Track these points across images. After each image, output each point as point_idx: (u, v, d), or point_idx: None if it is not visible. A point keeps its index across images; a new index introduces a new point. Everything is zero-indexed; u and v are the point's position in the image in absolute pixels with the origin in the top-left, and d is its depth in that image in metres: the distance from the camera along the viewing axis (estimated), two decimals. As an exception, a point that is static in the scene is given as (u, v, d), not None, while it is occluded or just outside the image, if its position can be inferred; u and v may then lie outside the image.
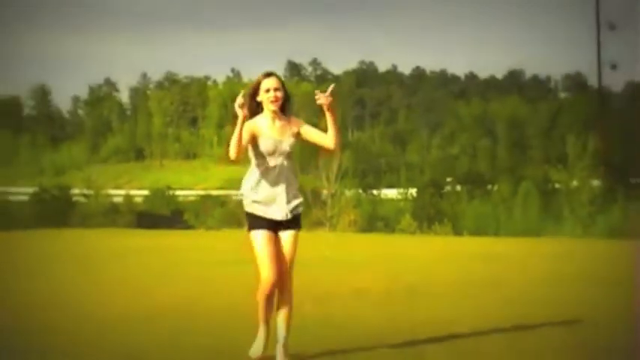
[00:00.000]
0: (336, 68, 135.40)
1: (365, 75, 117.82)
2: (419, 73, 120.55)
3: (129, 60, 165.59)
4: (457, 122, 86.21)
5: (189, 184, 72.65)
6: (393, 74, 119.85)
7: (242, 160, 5.90)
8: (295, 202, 5.88)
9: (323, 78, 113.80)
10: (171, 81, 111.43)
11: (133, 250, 17.86)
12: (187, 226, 36.59)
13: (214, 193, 50.11)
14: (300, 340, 6.19)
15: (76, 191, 43.75)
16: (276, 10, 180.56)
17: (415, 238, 26.38)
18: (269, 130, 5.82)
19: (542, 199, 36.52)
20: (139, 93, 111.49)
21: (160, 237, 24.08)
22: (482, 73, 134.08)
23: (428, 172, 56.59)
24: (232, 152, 5.68)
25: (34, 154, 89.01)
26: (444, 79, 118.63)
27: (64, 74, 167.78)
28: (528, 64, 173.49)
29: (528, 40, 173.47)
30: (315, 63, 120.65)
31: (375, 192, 47.43)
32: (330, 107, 5.76)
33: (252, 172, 5.87)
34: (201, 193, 51.42)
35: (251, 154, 5.86)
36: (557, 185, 36.21)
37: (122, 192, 48.68)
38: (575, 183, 32.89)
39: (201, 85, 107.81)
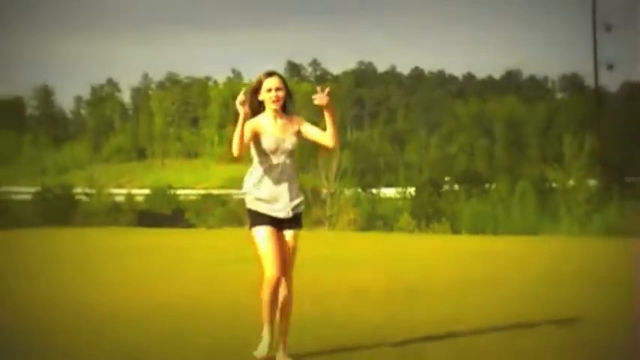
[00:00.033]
0: (336, 68, 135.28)
1: (364, 75, 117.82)
2: (417, 74, 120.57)
3: (131, 60, 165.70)
4: (455, 122, 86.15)
5: (191, 184, 72.58)
6: (391, 74, 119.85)
7: (244, 158, 5.89)
8: (297, 200, 5.87)
9: (322, 78, 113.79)
10: (172, 81, 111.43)
11: (135, 248, 17.84)
12: (188, 225, 36.57)
13: (215, 192, 50.06)
14: (300, 339, 6.17)
15: (78, 190, 43.70)
16: (276, 11, 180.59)
17: (414, 237, 26.37)
18: (271, 128, 5.81)
19: (539, 198, 36.48)
20: (140, 93, 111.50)
21: (161, 236, 24.07)
22: (480, 74, 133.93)
23: (426, 172, 56.50)
24: (235, 149, 5.68)
25: (36, 153, 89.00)
26: (442, 79, 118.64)
27: (67, 75, 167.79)
28: (526, 65, 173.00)
29: (526, 40, 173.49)
30: (314, 63, 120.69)
31: (374, 191, 47.37)
32: (328, 107, 5.74)
33: (255, 170, 5.85)
34: (203, 192, 51.39)
35: (253, 152, 5.84)
36: (554, 184, 36.16)
37: (124, 191, 48.61)
38: (571, 182, 32.86)
39: (202, 85, 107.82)
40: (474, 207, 37.03)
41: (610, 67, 43.90)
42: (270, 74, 5.85)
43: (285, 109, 5.88)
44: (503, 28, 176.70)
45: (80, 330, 7.21)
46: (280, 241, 5.78)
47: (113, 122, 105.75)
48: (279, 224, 5.80)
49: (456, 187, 44.61)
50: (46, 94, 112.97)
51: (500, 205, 36.74)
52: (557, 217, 32.14)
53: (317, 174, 35.72)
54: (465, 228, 32.45)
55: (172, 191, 49.12)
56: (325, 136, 5.85)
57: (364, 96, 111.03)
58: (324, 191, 36.03)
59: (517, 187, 39.37)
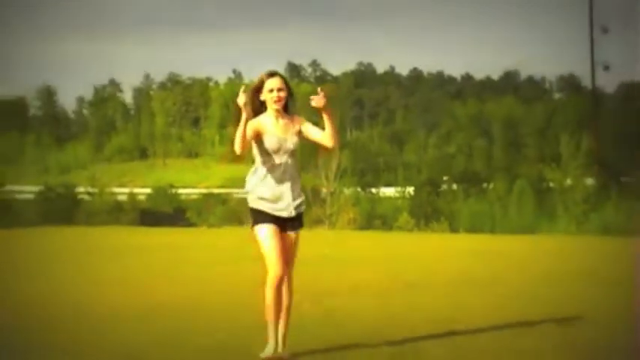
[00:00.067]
0: (335, 69, 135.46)
1: (363, 76, 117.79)
2: (416, 74, 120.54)
3: (132, 61, 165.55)
4: (453, 122, 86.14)
5: (192, 183, 72.56)
6: (390, 75, 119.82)
7: (245, 158, 5.88)
8: (299, 199, 5.87)
9: (322, 79, 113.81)
10: (173, 82, 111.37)
11: (137, 247, 17.82)
12: (190, 224, 36.53)
13: (216, 191, 50.03)
14: (300, 337, 6.15)
15: (80, 189, 43.63)
16: (276, 12, 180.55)
17: (413, 236, 26.35)
18: (273, 128, 5.81)
19: (536, 197, 36.46)
20: (142, 93, 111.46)
21: (162, 234, 24.05)
22: (478, 74, 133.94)
23: (425, 171, 56.50)
24: (237, 147, 5.68)
25: (39, 153, 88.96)
26: (440, 80, 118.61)
27: (69, 75, 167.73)
28: (523, 66, 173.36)
29: (523, 42, 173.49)
30: (314, 64, 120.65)
31: (373, 190, 47.33)
32: (326, 108, 5.73)
33: (258, 170, 5.84)
34: (204, 191, 51.36)
35: (255, 152, 5.84)
36: (551, 184, 36.13)
37: (126, 190, 48.56)
38: (569, 181, 32.83)
39: (203, 85, 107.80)
40: (472, 206, 37.01)
41: (607, 68, 43.89)
42: (272, 74, 5.85)
43: (287, 108, 5.88)
44: (501, 29, 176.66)
45: (82, 329, 7.20)
46: (282, 240, 5.78)
47: (115, 122, 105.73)
48: (281, 223, 5.80)
49: (455, 186, 44.59)
50: (48, 95, 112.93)
51: (498, 205, 36.72)
52: (555, 216, 32.12)
53: (317, 173, 35.68)
54: (463, 227, 32.44)
55: (174, 190, 49.08)
56: (324, 137, 5.84)
57: (364, 96, 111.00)
58: (324, 190, 36.00)
59: (515, 187, 39.34)
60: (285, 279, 5.76)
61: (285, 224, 5.81)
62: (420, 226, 32.79)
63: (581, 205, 30.96)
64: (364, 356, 5.91)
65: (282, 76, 5.86)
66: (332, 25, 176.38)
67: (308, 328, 6.77)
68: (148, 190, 49.39)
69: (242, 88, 5.75)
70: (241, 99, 5.65)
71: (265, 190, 5.79)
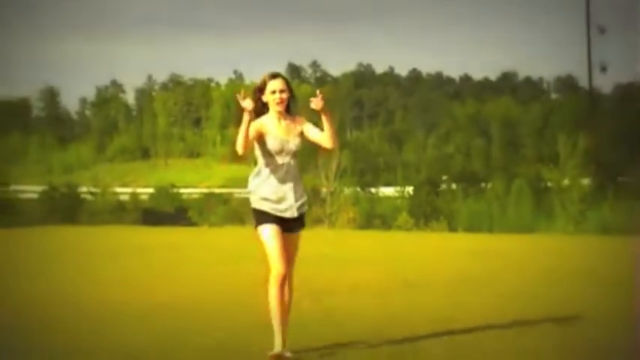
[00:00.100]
0: (335, 70, 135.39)
1: (363, 77, 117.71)
2: (415, 75, 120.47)
3: (134, 62, 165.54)
4: (452, 122, 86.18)
5: (193, 183, 72.56)
6: (390, 76, 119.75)
7: (247, 157, 5.88)
8: (302, 200, 5.87)
9: (322, 80, 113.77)
10: (175, 82, 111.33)
11: (139, 246, 17.78)
12: (191, 223, 36.51)
13: (217, 191, 50.04)
14: (300, 336, 6.14)
15: (83, 189, 43.67)
16: (276, 14, 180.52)
17: (412, 235, 26.31)
18: (275, 129, 5.80)
19: (534, 197, 36.50)
20: (144, 94, 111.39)
21: (164, 234, 24.00)
22: (477, 75, 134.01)
23: (424, 171, 56.53)
24: (239, 147, 5.67)
25: (43, 153, 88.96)
26: (439, 80, 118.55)
27: (72, 76, 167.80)
28: (521, 66, 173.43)
29: (521, 43, 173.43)
30: (314, 65, 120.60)
31: (372, 190, 47.38)
32: (324, 111, 5.72)
33: (261, 171, 5.83)
34: (205, 191, 51.37)
35: (258, 153, 5.83)
36: (549, 183, 36.14)
37: (128, 190, 48.61)
38: (566, 181, 32.82)
39: (204, 86, 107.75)
40: (471, 206, 37.06)
41: (603, 68, 43.95)
42: (274, 76, 5.84)
43: (289, 109, 5.87)
44: (499, 30, 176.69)
45: (82, 328, 7.17)
46: (284, 240, 5.77)
47: (117, 123, 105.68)
48: (283, 224, 5.79)
49: (453, 186, 44.64)
50: (51, 96, 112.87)
51: (497, 204, 36.76)
52: (552, 215, 32.12)
53: (317, 173, 35.68)
54: (462, 226, 32.45)
55: (175, 190, 49.12)
56: (324, 138, 5.83)
57: (363, 97, 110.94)
58: (324, 190, 35.99)
59: (513, 186, 39.41)
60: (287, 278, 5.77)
61: (287, 224, 5.80)
62: (419, 226, 32.78)
63: (578, 204, 30.95)
64: (364, 355, 5.90)
65: (284, 78, 5.86)
66: (332, 26, 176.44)
67: (308, 326, 6.75)
68: (150, 190, 49.44)
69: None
70: (248, 104, 5.62)
71: (268, 191, 5.78)
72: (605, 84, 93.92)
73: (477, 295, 8.90)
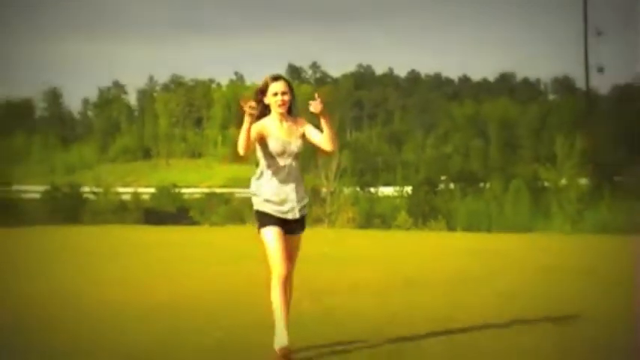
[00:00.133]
0: (335, 71, 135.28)
1: (363, 78, 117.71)
2: (414, 76, 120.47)
3: (136, 63, 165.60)
4: (451, 123, 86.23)
5: (195, 182, 72.51)
6: (389, 77, 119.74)
7: (248, 158, 5.86)
8: (304, 201, 5.86)
9: (322, 81, 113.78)
10: (177, 83, 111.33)
11: (141, 245, 17.78)
12: (193, 223, 36.47)
13: (218, 190, 49.97)
14: (300, 334, 6.12)
15: (86, 189, 43.61)
16: (277, 16, 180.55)
17: (411, 234, 26.30)
18: (277, 131, 5.78)
19: (532, 197, 36.47)
20: (146, 95, 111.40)
21: (166, 233, 24.01)
22: (475, 76, 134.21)
23: (423, 171, 56.51)
24: (241, 148, 5.65)
25: (46, 153, 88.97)
26: (438, 81, 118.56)
27: (75, 77, 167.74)
28: (519, 68, 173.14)
29: (519, 44, 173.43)
30: (314, 66, 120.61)
31: (372, 190, 47.33)
32: (323, 113, 5.70)
33: (263, 172, 5.81)
34: (206, 190, 51.31)
35: (260, 154, 5.81)
36: (546, 183, 36.10)
37: (130, 190, 48.53)
38: (563, 181, 32.79)
39: (205, 87, 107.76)
40: (469, 205, 37.02)
41: (600, 70, 43.99)
42: (276, 78, 5.81)
43: (291, 111, 5.86)
44: (497, 31, 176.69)
45: (84, 328, 7.16)
46: (286, 242, 5.76)
47: (119, 123, 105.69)
48: (286, 226, 5.78)
49: (452, 185, 44.62)
50: (54, 97, 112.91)
51: (495, 204, 36.73)
52: (550, 214, 32.10)
53: (317, 173, 35.65)
54: (461, 225, 32.42)
55: (177, 190, 49.07)
56: (323, 140, 5.81)
57: (363, 98, 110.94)
58: (324, 190, 35.96)
59: (511, 186, 39.40)
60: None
61: (289, 226, 5.79)
62: (418, 225, 32.76)
63: (575, 204, 30.94)
64: (363, 354, 5.88)
65: (286, 80, 5.84)
66: (332, 26, 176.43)
67: (307, 325, 6.73)
68: (152, 190, 49.39)
69: (250, 103, 5.63)
70: (252, 108, 5.58)
71: (271, 193, 5.76)
72: (602, 85, 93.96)
73: (476, 294, 8.89)
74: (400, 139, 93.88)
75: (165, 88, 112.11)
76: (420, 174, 52.48)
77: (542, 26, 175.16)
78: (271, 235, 5.71)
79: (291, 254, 5.80)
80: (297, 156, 5.82)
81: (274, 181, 5.77)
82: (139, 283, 10.38)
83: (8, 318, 7.70)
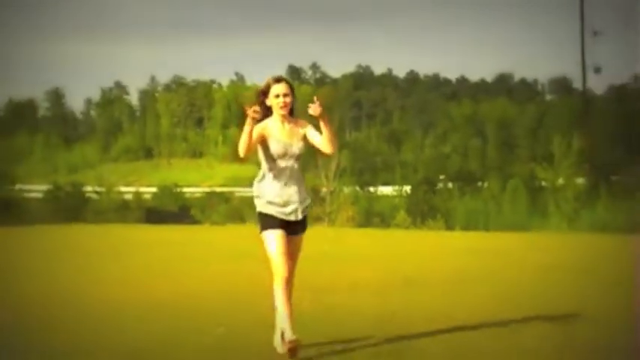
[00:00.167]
0: (335, 72, 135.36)
1: (362, 78, 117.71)
2: (413, 77, 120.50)
3: (138, 64, 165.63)
4: (449, 123, 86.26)
5: (196, 182, 72.53)
6: (388, 77, 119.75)
7: (248, 158, 5.85)
8: (306, 203, 5.85)
9: (322, 81, 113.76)
10: (178, 84, 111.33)
11: (142, 244, 17.77)
12: (194, 221, 36.49)
13: (219, 190, 50.03)
14: (300, 332, 6.11)
15: (88, 188, 43.61)
16: (277, 17, 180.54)
17: (410, 233, 26.29)
18: (279, 133, 5.76)
19: (529, 196, 36.51)
20: (147, 95, 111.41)
21: (167, 232, 23.98)
22: (473, 77, 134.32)
23: (421, 170, 56.50)
24: (242, 151, 5.63)
25: (48, 153, 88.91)
26: (436, 82, 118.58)
27: (77, 78, 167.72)
28: (517, 68, 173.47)
29: (517, 45, 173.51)
30: (314, 67, 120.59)
31: (371, 189, 47.35)
32: (322, 116, 5.68)
33: (265, 174, 5.79)
34: (207, 190, 51.37)
35: (261, 157, 5.79)
36: (543, 182, 36.14)
37: (132, 189, 48.55)
38: (560, 180, 32.82)
39: (206, 87, 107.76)
40: (467, 204, 37.05)
41: (597, 70, 44.01)
42: (278, 80, 5.79)
43: (292, 113, 5.85)
44: (495, 33, 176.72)
45: (85, 327, 7.13)
46: (288, 243, 5.75)
47: (121, 123, 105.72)
48: (288, 227, 5.76)
49: (450, 185, 44.69)
50: (57, 97, 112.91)
51: (492, 203, 36.77)
52: (547, 213, 32.13)
53: (317, 173, 35.66)
54: (459, 224, 32.43)
55: (178, 189, 49.12)
56: (322, 143, 5.79)
57: (362, 98, 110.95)
58: (324, 189, 35.98)
59: (508, 185, 39.45)
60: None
61: (291, 228, 5.78)
62: (416, 224, 32.77)
63: (572, 203, 30.96)
64: (363, 352, 5.87)
65: (288, 82, 5.82)
66: (332, 26, 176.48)
67: (307, 323, 6.71)
68: (154, 189, 49.44)
69: (251, 105, 5.62)
70: (256, 113, 5.56)
71: (274, 195, 5.74)
72: (598, 85, 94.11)
73: (475, 293, 8.88)
74: (399, 138, 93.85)
75: (167, 88, 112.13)
76: (418, 173, 52.45)
77: (539, 27, 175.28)
78: (273, 237, 5.69)
79: (293, 255, 5.79)
80: (298, 158, 5.80)
81: (276, 183, 5.74)
82: (140, 281, 10.36)
83: (9, 317, 7.67)
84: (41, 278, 10.96)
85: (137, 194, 44.69)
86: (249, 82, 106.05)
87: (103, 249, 16.51)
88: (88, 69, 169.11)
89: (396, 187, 44.33)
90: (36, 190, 45.22)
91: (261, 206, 5.78)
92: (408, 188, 41.12)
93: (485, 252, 14.39)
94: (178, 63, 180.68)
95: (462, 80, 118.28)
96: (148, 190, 49.72)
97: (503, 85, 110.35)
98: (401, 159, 74.35)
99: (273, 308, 5.81)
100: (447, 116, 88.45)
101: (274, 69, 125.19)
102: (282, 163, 5.74)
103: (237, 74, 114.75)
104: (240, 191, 44.37)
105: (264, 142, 5.73)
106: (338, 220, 33.95)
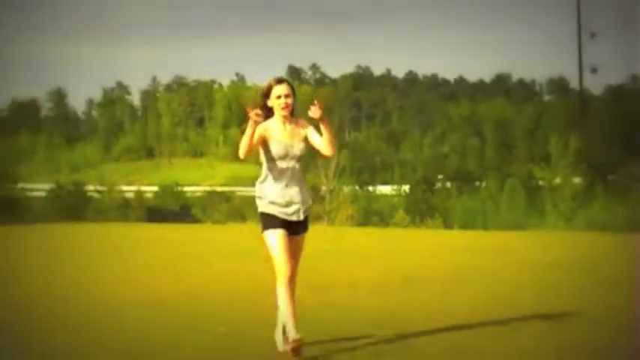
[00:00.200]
0: (334, 72, 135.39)
1: (361, 79, 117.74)
2: (412, 77, 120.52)
3: (140, 64, 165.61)
4: (447, 123, 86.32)
5: (196, 181, 72.47)
6: (387, 78, 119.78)
7: (248, 158, 5.83)
8: (308, 203, 5.84)
9: (322, 82, 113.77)
10: (179, 84, 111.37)
11: (143, 243, 17.76)
12: (195, 220, 36.45)
13: (219, 189, 50.00)
14: (301, 328, 6.10)
15: (90, 188, 43.55)
16: (277, 18, 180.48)
17: (408, 232, 26.28)
18: (280, 134, 5.74)
19: (526, 195, 36.48)
20: (149, 95, 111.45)
21: (168, 230, 23.97)
22: (471, 77, 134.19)
23: (420, 170, 56.50)
24: (242, 152, 5.62)
25: (51, 152, 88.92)
26: (435, 82, 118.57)
27: (80, 78, 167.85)
28: (515, 69, 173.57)
29: (515, 46, 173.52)
30: (314, 67, 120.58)
31: (370, 188, 47.33)
32: (322, 119, 5.66)
33: (267, 175, 5.77)
34: (208, 189, 51.33)
35: (263, 158, 5.77)
36: (540, 182, 36.10)
37: (133, 188, 48.49)
38: (557, 180, 32.78)
39: (207, 87, 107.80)
40: (466, 203, 37.00)
41: (594, 70, 43.98)
42: (279, 81, 5.78)
43: (293, 114, 5.83)
44: (493, 33, 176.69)
45: (85, 326, 7.12)
46: (290, 243, 5.74)
47: (123, 123, 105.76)
48: (290, 227, 5.75)
49: (448, 184, 44.67)
50: (59, 97, 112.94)
51: (490, 202, 36.73)
52: (544, 212, 32.09)
53: (317, 172, 35.66)
54: (457, 223, 32.39)
55: (179, 188, 49.09)
56: (322, 145, 5.77)
57: (361, 98, 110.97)
58: (324, 188, 35.96)
59: (506, 185, 39.43)
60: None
61: (293, 228, 5.77)
62: (415, 223, 32.74)
63: (569, 202, 30.93)
64: (362, 350, 5.86)
65: (289, 83, 5.81)
66: (332, 26, 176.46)
67: (307, 321, 6.70)
68: (155, 189, 49.40)
69: (253, 108, 5.61)
70: (258, 116, 5.54)
71: (276, 195, 5.73)
72: (595, 86, 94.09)
73: (473, 291, 8.86)
74: (398, 138, 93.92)
75: (168, 88, 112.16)
76: (417, 173, 52.47)
77: (537, 28, 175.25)
78: (275, 237, 5.68)
79: (295, 254, 5.77)
80: (299, 158, 5.79)
81: (278, 184, 5.73)
82: (141, 280, 10.34)
83: (9, 316, 7.65)
84: (43, 276, 10.95)
85: (138, 193, 44.64)
86: (249, 82, 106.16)
87: (104, 248, 16.50)
88: (89, 69, 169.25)
89: (395, 187, 44.30)
90: (38, 189, 45.19)
91: (263, 206, 5.76)
92: (406, 187, 41.08)
93: (484, 251, 14.39)
94: (179, 63, 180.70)
95: (461, 81, 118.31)
96: (150, 190, 49.68)
97: (502, 86, 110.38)
98: (400, 158, 74.39)
99: (274, 307, 5.79)
100: (445, 116, 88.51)
101: (274, 69, 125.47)
102: (283, 164, 5.73)
103: (237, 74, 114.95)
104: (241, 190, 44.37)
105: (265, 143, 5.71)
106: (337, 219, 33.93)
